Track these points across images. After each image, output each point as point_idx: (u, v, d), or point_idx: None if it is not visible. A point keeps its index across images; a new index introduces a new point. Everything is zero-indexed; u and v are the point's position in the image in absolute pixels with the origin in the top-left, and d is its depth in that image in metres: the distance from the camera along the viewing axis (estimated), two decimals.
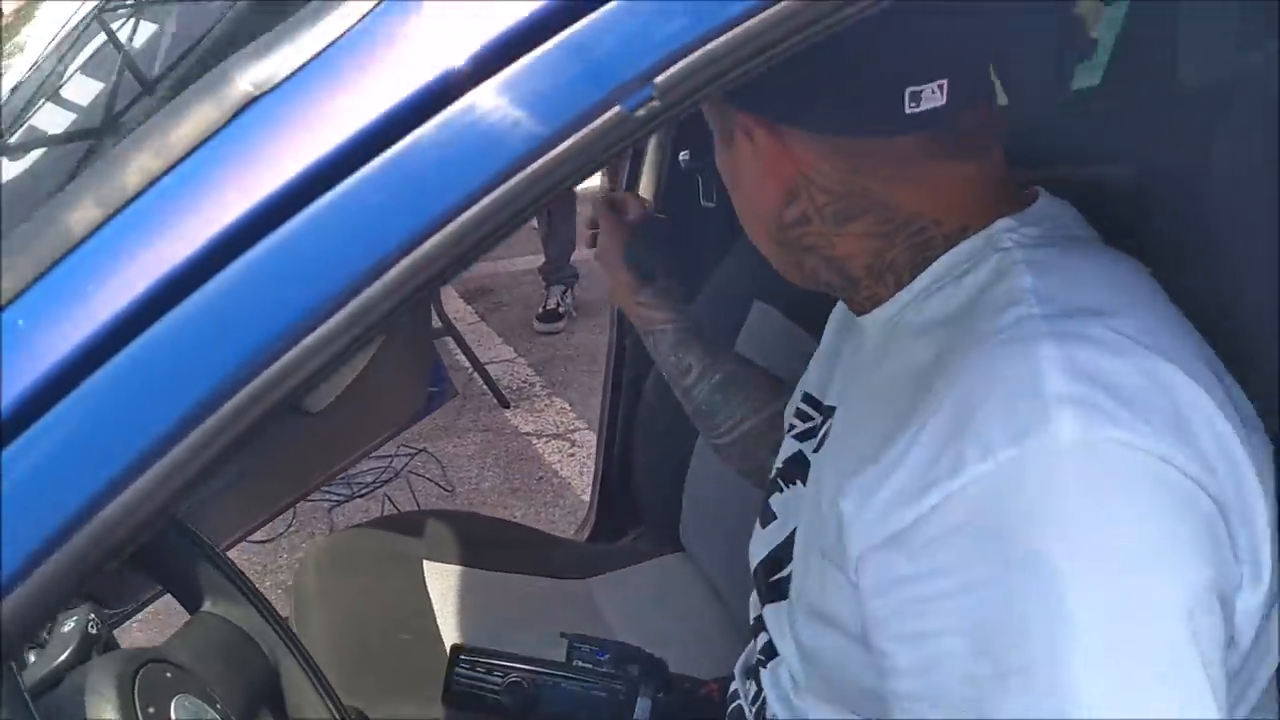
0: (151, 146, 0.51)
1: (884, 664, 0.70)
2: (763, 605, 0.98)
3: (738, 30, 0.50)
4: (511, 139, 0.51)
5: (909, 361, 0.76)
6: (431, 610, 1.63)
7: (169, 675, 0.78)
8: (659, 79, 0.50)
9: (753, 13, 0.51)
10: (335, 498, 3.03)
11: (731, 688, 1.06)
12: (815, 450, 0.92)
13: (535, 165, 0.51)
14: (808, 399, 1.01)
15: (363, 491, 3.07)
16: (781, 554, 0.94)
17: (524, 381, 3.75)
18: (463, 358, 3.51)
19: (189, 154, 0.51)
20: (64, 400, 0.51)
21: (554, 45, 0.51)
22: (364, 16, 0.51)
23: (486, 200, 0.51)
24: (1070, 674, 0.60)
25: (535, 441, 3.37)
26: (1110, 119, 1.10)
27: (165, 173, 0.50)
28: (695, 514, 1.79)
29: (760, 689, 0.96)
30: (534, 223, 3.87)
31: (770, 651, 0.95)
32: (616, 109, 0.50)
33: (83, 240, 0.50)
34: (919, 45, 0.74)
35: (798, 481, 0.95)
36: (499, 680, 1.30)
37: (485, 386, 3.55)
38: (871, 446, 0.72)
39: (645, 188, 1.87)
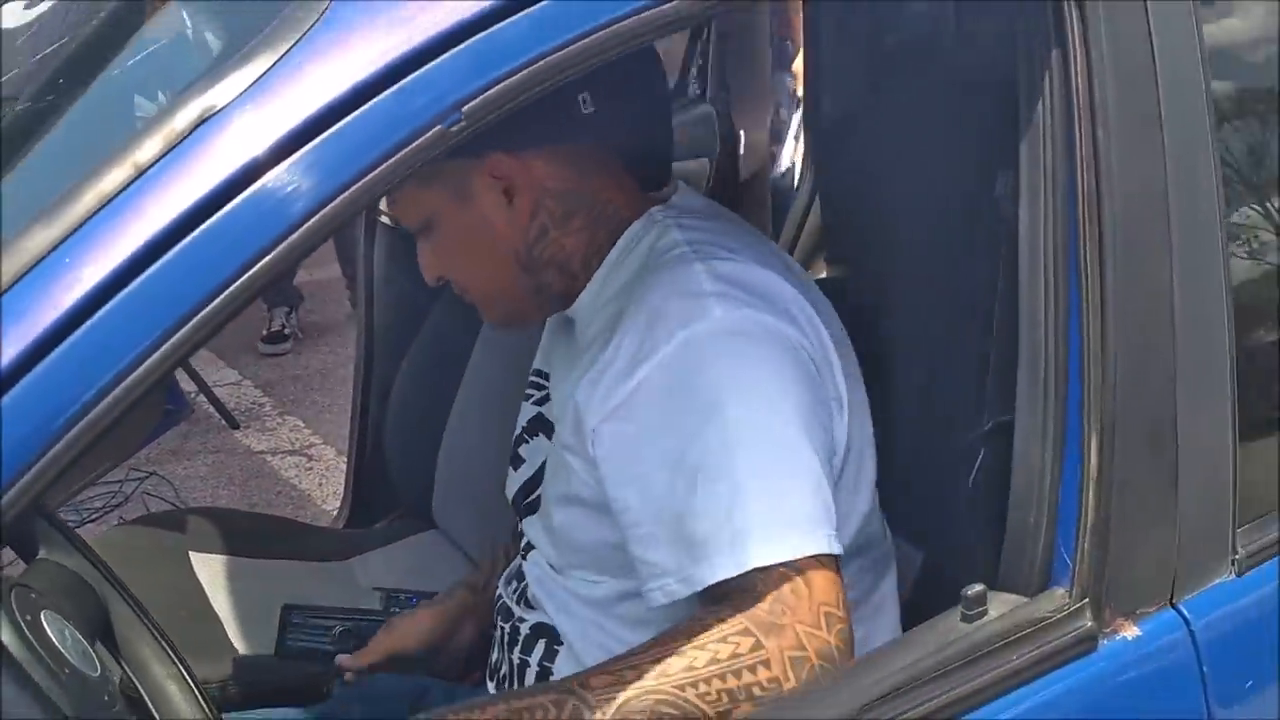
0: None
1: (616, 509, 0.98)
2: (522, 520, 1.21)
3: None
4: None
5: (611, 310, 1.05)
6: (205, 593, 1.72)
7: (33, 596, 0.89)
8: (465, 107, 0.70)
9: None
10: None
11: (497, 593, 1.25)
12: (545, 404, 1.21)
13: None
14: (537, 373, 1.26)
15: (93, 517, 3.03)
16: (533, 482, 1.19)
17: (252, 403, 3.76)
18: (186, 382, 3.50)
19: None
20: None
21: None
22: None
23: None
24: (732, 463, 0.91)
25: (270, 458, 3.41)
26: None
27: None
28: (446, 494, 1.95)
29: (522, 582, 1.17)
30: None
31: (528, 549, 1.18)
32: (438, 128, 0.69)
33: None
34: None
35: (540, 434, 1.21)
36: (328, 632, 1.48)
37: (212, 409, 3.55)
38: (591, 356, 1.03)
39: None
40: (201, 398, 3.53)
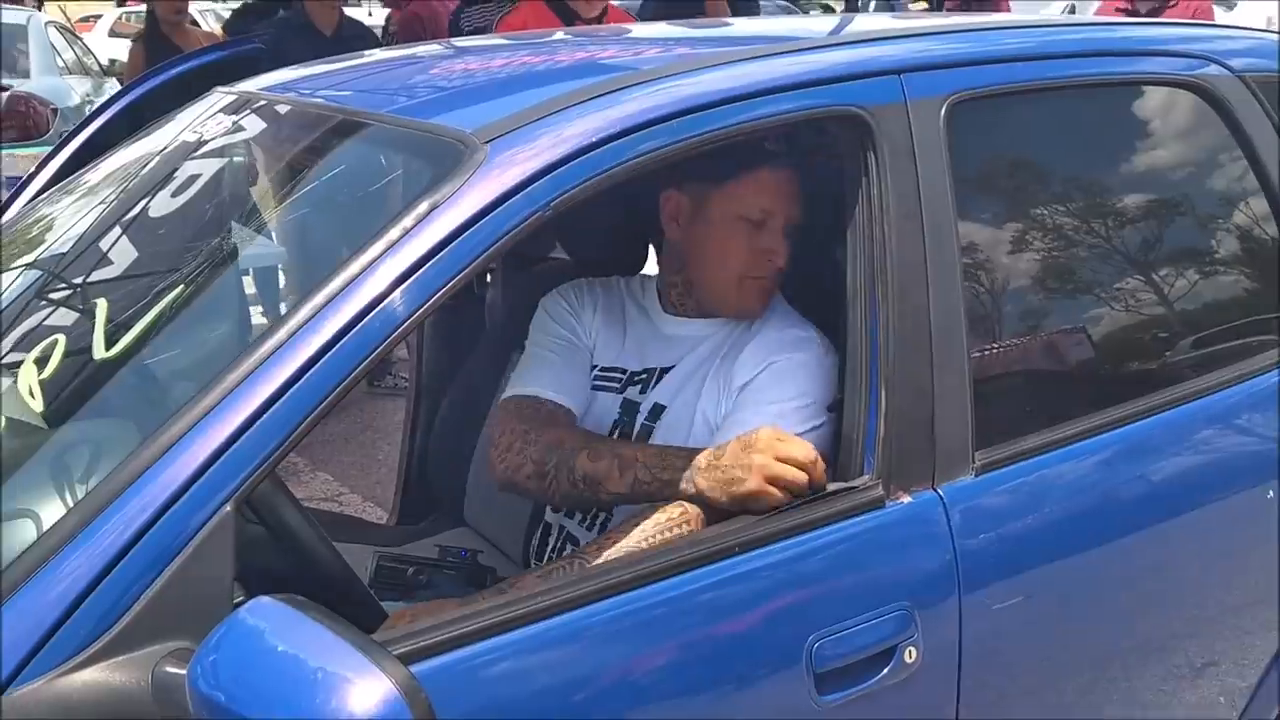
0: None
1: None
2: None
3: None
4: None
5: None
6: None
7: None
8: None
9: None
10: None
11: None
12: (655, 386, 1.87)
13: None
14: (618, 371, 1.92)
15: None
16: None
17: (289, 461, 4.42)
18: None
19: None
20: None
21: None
22: None
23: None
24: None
25: (307, 503, 4.06)
26: None
27: None
28: (474, 499, 2.60)
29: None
30: None
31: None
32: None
33: None
34: None
35: (635, 414, 1.87)
36: (405, 573, 2.10)
37: None
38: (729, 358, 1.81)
39: None
40: None
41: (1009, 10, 5.83)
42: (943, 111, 1.63)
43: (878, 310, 1.59)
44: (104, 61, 10.22)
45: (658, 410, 1.84)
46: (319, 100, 1.83)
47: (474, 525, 2.56)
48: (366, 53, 2.28)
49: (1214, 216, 2.01)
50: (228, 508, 1.19)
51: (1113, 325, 1.90)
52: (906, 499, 1.58)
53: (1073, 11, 5.90)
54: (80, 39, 10.01)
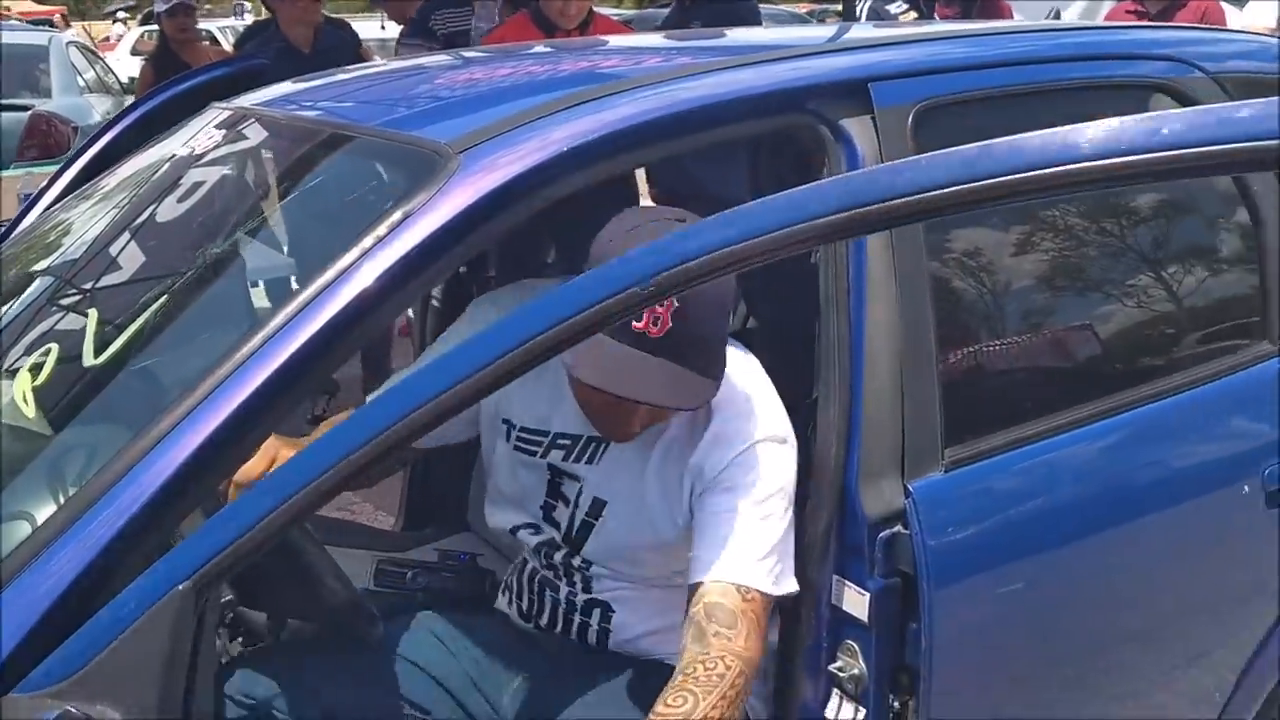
0: None
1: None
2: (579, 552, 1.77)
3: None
4: None
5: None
6: None
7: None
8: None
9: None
10: None
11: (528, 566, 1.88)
12: (589, 462, 1.72)
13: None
14: (536, 432, 1.77)
15: None
16: (584, 528, 1.74)
17: None
18: None
19: None
20: None
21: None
22: None
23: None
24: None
25: (320, 511, 4.12)
26: None
27: None
28: (477, 504, 2.66)
29: (566, 572, 1.78)
30: None
31: (588, 565, 1.75)
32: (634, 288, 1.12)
33: None
34: None
35: (566, 479, 1.74)
36: (405, 576, 2.14)
37: None
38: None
39: None
40: None
41: (1010, 16, 5.85)
42: (910, 120, 1.67)
43: (850, 315, 1.63)
44: (124, 80, 10.36)
45: (598, 506, 1.72)
46: (307, 114, 1.88)
47: (477, 530, 2.61)
48: (357, 67, 2.34)
49: (1187, 219, 2.05)
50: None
51: (1087, 325, 1.93)
52: None
53: (1057, 16, 5.92)
54: (101, 58, 10.16)
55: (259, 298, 1.49)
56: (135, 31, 19.58)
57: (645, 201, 3.41)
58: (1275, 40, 2.35)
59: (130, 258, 1.66)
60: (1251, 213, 1.97)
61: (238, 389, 1.25)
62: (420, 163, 1.45)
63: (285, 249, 1.57)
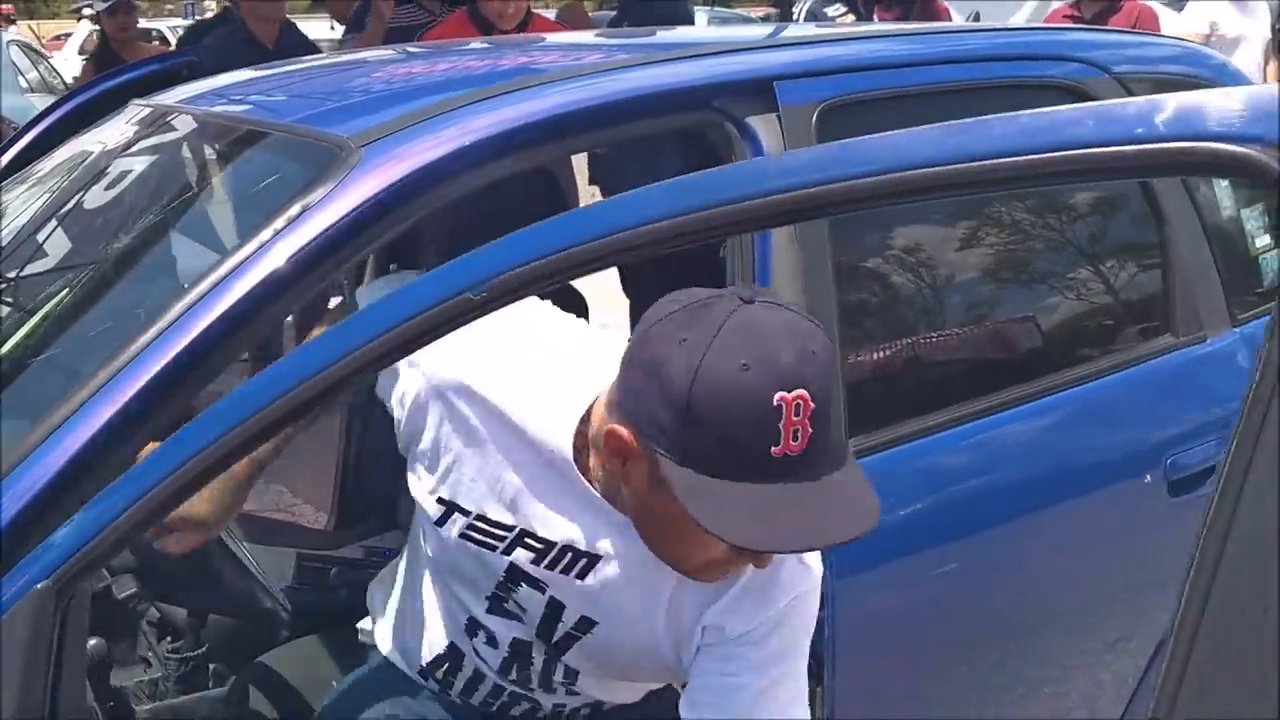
0: None
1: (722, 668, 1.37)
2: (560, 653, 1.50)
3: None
4: None
5: None
6: None
7: None
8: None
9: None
10: None
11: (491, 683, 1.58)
12: (580, 578, 1.39)
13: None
14: (495, 523, 1.41)
15: None
16: (546, 628, 1.46)
17: None
18: None
19: None
20: None
21: None
22: None
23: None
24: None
25: (262, 513, 4.10)
26: None
27: None
28: (408, 502, 2.67)
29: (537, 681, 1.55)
30: None
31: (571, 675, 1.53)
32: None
33: None
34: None
35: (523, 584, 1.43)
36: (327, 572, 2.16)
37: None
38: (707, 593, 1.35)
39: None
40: None
41: (947, 17, 5.93)
42: (814, 118, 1.70)
43: None
44: (69, 80, 10.26)
45: (586, 624, 1.44)
46: (222, 110, 1.89)
47: (405, 527, 2.62)
48: (283, 62, 2.35)
49: (1090, 213, 2.09)
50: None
51: (990, 320, 1.97)
52: None
53: (977, 18, 5.99)
54: (46, 58, 10.05)
55: (160, 291, 1.50)
56: (83, 31, 19.37)
57: (584, 192, 3.42)
58: (1197, 45, 2.41)
59: (36, 253, 1.67)
60: (1153, 207, 2.02)
61: (129, 382, 1.26)
62: (323, 157, 1.46)
63: (189, 244, 1.58)
